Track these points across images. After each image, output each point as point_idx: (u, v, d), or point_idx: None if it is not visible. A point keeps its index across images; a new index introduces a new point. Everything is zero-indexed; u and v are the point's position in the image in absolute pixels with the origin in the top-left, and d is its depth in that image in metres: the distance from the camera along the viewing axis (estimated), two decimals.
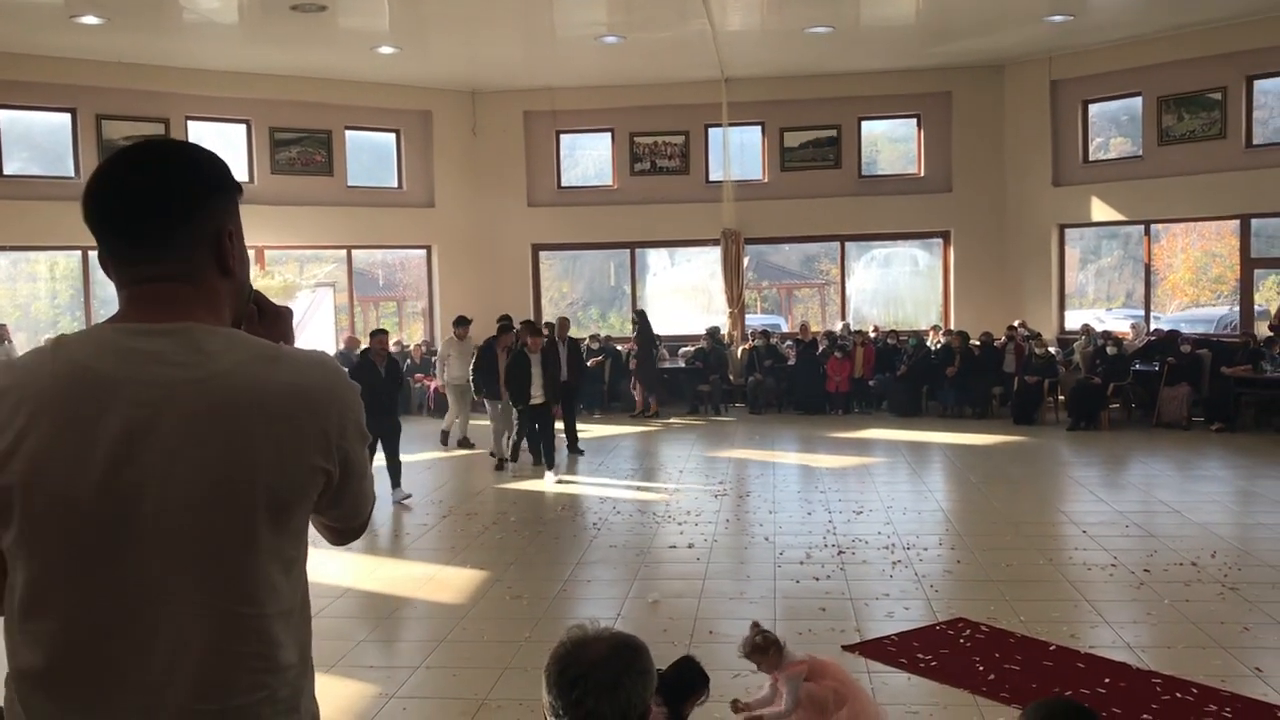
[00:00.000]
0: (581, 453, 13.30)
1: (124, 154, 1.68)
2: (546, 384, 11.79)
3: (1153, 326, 16.68)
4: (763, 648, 4.66)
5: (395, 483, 10.57)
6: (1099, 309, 18.64)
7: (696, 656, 4.21)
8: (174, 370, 1.57)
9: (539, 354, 11.83)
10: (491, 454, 12.82)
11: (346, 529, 1.84)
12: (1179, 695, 5.27)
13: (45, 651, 1.54)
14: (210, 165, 1.70)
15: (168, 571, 1.54)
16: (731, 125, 18.41)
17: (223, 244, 1.69)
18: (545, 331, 13.26)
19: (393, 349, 17.56)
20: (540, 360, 11.80)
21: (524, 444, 12.39)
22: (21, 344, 15.62)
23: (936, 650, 6.01)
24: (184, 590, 1.55)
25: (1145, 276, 17.38)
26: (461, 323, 14.36)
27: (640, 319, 16.82)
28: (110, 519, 1.53)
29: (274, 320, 1.82)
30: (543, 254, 19.44)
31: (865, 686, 5.18)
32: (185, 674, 1.54)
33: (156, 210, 1.63)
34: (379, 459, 10.26)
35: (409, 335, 19.32)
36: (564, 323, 14.55)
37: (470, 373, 13.24)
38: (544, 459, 11.79)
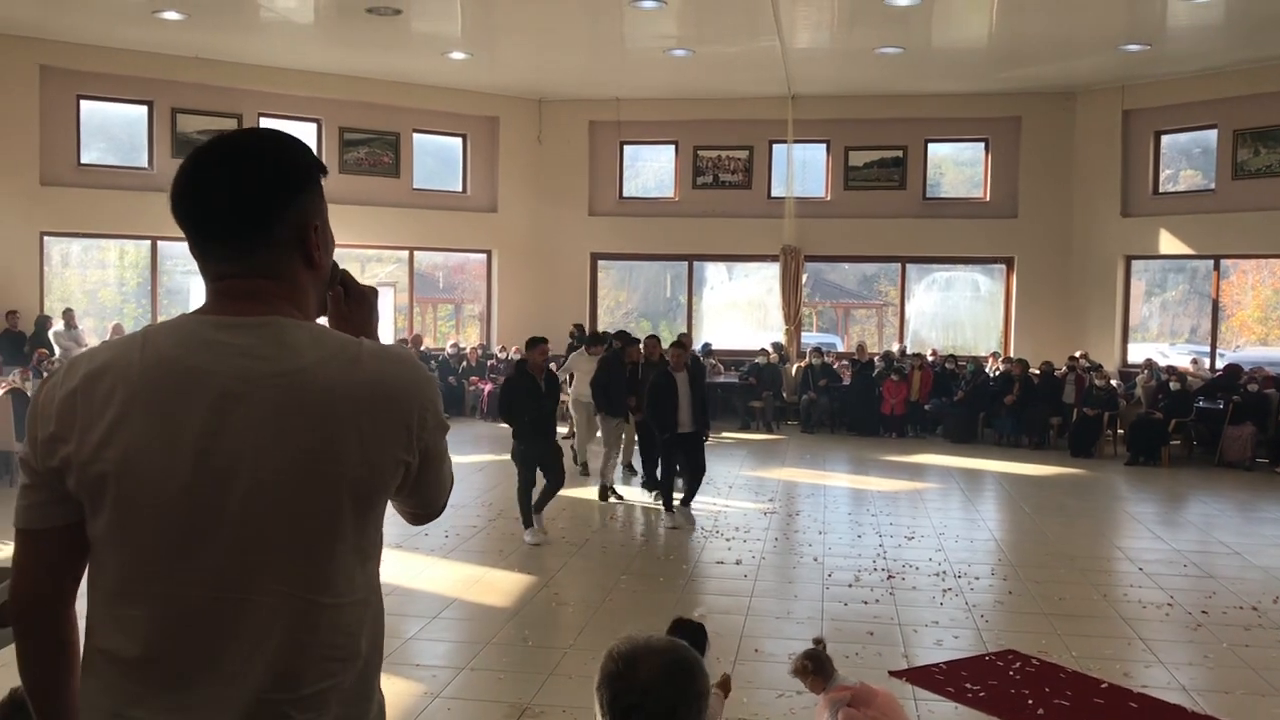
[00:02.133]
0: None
1: (207, 150, 1.67)
2: (697, 408, 10.04)
3: (1219, 364, 16.33)
4: (810, 669, 4.64)
5: (523, 517, 9.20)
6: (1162, 343, 18.33)
7: (731, 672, 4.26)
8: (259, 364, 1.59)
9: (685, 373, 10.07)
10: (589, 474, 11.68)
11: (424, 513, 1.86)
12: None
13: (135, 637, 1.57)
14: (298, 157, 1.70)
15: (252, 561, 1.56)
16: (796, 142, 18.37)
17: (309, 238, 1.70)
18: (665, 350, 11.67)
19: (449, 351, 17.94)
20: (689, 380, 10.06)
21: (614, 466, 11.36)
22: (88, 329, 15.97)
23: (985, 681, 5.93)
24: (267, 579, 1.57)
25: (1213, 312, 17.06)
26: (597, 340, 12.87)
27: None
28: (198, 509, 1.56)
29: (359, 301, 1.83)
30: (600, 262, 19.51)
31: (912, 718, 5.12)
32: (264, 661, 1.56)
33: (245, 211, 1.64)
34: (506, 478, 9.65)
35: (465, 338, 19.47)
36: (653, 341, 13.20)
37: (590, 388, 11.72)
38: (683, 499, 10.10)
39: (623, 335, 12.28)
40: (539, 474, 9.17)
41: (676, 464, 10.13)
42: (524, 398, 8.98)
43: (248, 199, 1.64)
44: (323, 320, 1.79)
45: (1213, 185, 16.34)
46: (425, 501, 1.81)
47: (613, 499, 11.00)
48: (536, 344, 9.38)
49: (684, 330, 18.89)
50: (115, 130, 16.73)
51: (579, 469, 12.04)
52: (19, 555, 1.66)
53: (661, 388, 9.96)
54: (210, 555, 1.56)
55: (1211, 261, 16.80)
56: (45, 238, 15.78)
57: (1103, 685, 5.89)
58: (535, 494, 9.20)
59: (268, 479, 1.56)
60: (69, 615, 1.68)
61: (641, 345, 12.04)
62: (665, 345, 12.44)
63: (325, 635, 1.60)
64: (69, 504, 1.61)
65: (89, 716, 1.61)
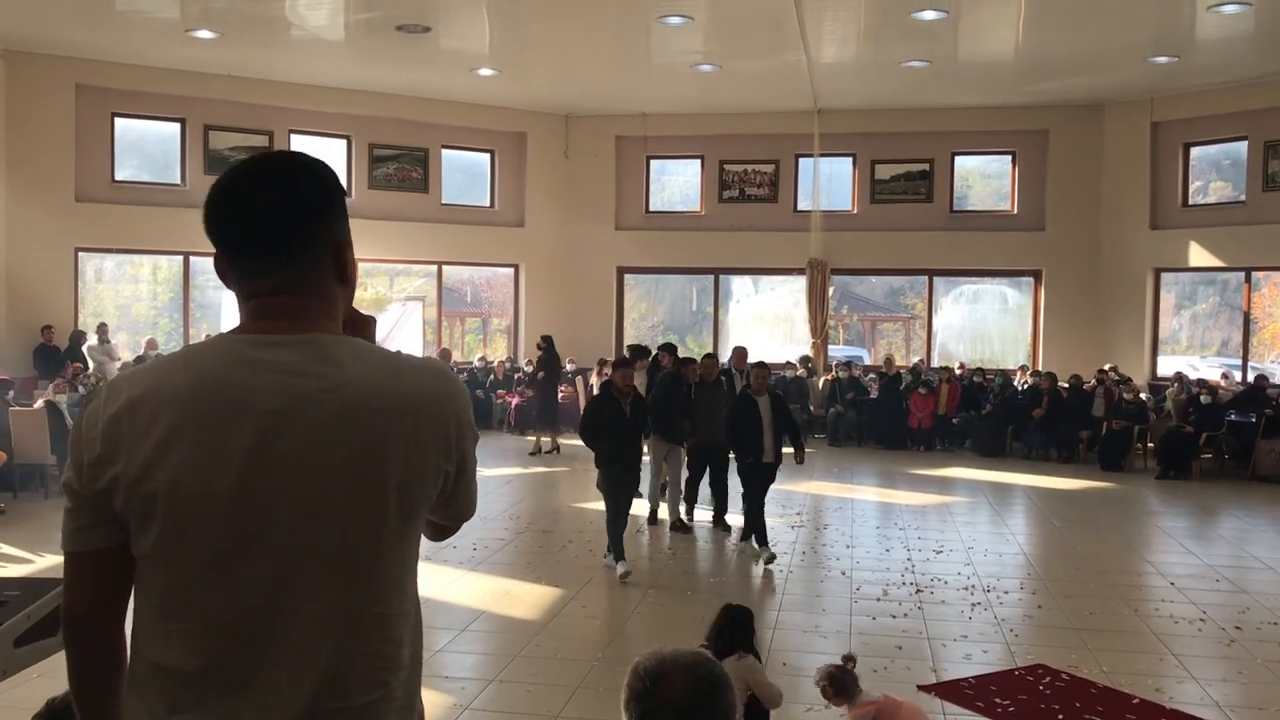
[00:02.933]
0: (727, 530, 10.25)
1: (245, 170, 1.71)
2: (778, 437, 9.17)
3: (1251, 377, 16.18)
4: (829, 691, 4.73)
5: (614, 548, 8.49)
6: (1192, 356, 18.17)
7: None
8: (304, 380, 1.63)
9: (767, 397, 9.24)
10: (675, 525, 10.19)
11: (451, 526, 1.89)
12: None
13: (186, 650, 1.60)
14: (327, 177, 1.75)
15: (302, 572, 1.60)
16: (822, 156, 18.37)
17: (342, 254, 1.75)
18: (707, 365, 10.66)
19: (476, 364, 18.02)
20: (771, 404, 9.22)
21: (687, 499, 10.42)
22: (121, 343, 16.16)
23: (1014, 696, 5.90)
24: (317, 590, 1.60)
25: (1244, 325, 16.91)
26: (638, 355, 11.87)
27: (547, 345, 15.87)
28: (248, 523, 1.59)
29: (361, 329, 1.85)
30: (626, 276, 19.56)
31: None
32: (314, 672, 1.59)
33: (282, 228, 1.67)
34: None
35: (492, 352, 19.56)
36: (741, 352, 12.47)
37: (649, 410, 10.41)
38: (757, 538, 9.09)
39: (668, 348, 11.51)
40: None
41: (759, 494, 9.09)
42: (607, 422, 8.54)
43: (288, 215, 1.68)
44: None
45: (1243, 197, 16.22)
46: (457, 513, 1.85)
47: (670, 528, 10.15)
48: (623, 363, 8.87)
49: (710, 345, 18.92)
50: (149, 147, 16.95)
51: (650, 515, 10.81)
52: (70, 577, 1.70)
53: (743, 411, 9.15)
54: (260, 569, 1.59)
55: (1242, 274, 16.67)
56: (79, 253, 15.99)
57: (1134, 701, 5.85)
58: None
59: (316, 492, 1.60)
60: (119, 630, 1.72)
61: (699, 364, 10.86)
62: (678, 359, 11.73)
63: (375, 645, 1.64)
64: (115, 525, 1.65)
65: None
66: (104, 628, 1.70)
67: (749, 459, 9.05)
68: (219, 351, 1.66)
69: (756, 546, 9.04)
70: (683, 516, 10.21)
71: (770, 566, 8.69)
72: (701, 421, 10.10)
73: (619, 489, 8.58)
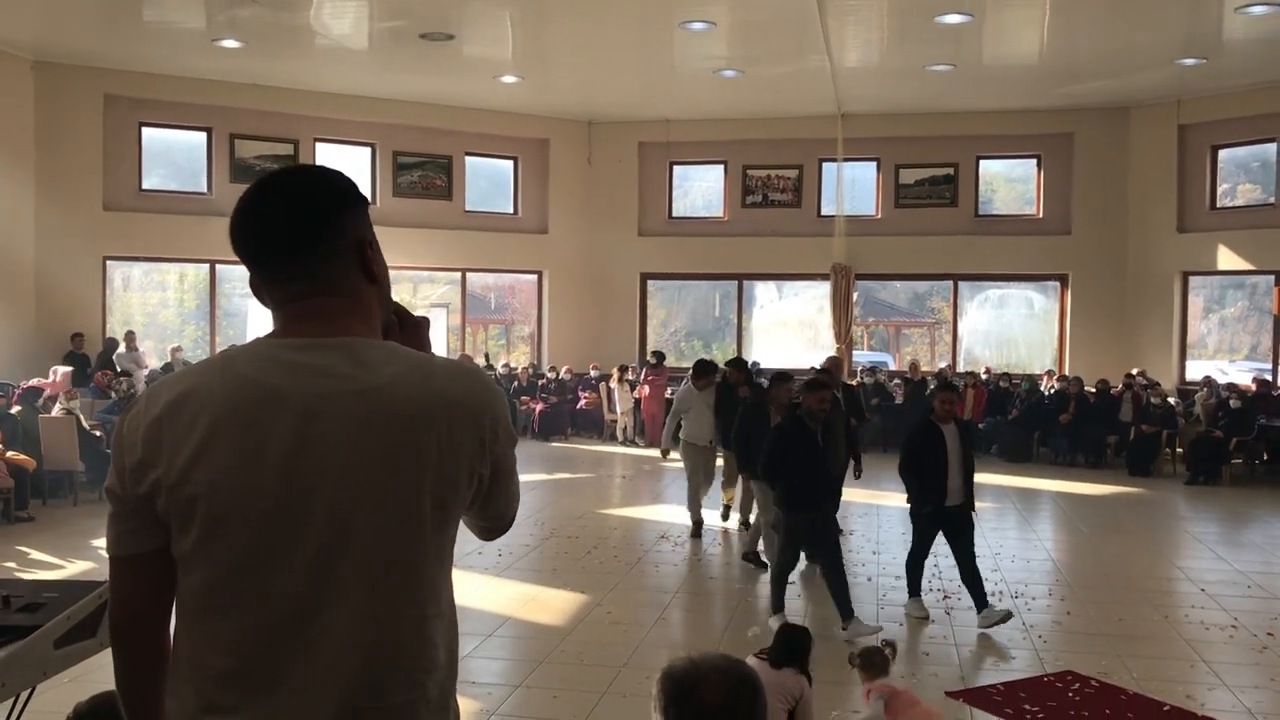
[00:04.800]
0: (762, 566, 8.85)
1: (259, 186, 1.76)
2: (968, 473, 7.49)
3: None
4: (859, 663, 5.02)
5: (843, 611, 7.07)
6: (1221, 360, 18.01)
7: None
8: (339, 383, 1.64)
9: (954, 425, 7.48)
10: (748, 556, 9.07)
11: (496, 527, 1.91)
12: None
13: (225, 649, 1.62)
14: (342, 181, 1.79)
15: (338, 573, 1.61)
16: (846, 160, 18.33)
17: (365, 253, 1.77)
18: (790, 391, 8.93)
19: (500, 371, 18.06)
20: (958, 433, 7.46)
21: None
22: (148, 350, 16.30)
23: (1044, 702, 5.85)
24: (354, 591, 1.62)
25: (1275, 328, 16.74)
26: (704, 371, 10.35)
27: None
28: (285, 525, 1.61)
29: (413, 330, 1.89)
30: (650, 282, 19.57)
31: None
32: (349, 672, 1.60)
33: (297, 231, 1.71)
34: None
35: (515, 359, 19.61)
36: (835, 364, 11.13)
37: (735, 444, 9.35)
38: (976, 599, 7.36)
39: (737, 364, 10.38)
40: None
41: (930, 545, 7.60)
42: (797, 453, 7.16)
43: (306, 215, 1.72)
44: None
45: (1272, 199, 16.08)
46: (497, 514, 1.87)
47: (742, 557, 9.16)
48: (819, 384, 7.48)
49: (733, 352, 18.90)
50: (175, 156, 17.11)
51: (694, 529, 10.23)
52: (116, 581, 1.73)
53: (923, 443, 7.43)
54: (298, 569, 1.61)
55: (1272, 277, 16.50)
56: (108, 261, 16.14)
57: (1165, 708, 5.79)
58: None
59: (352, 493, 1.62)
60: (165, 632, 1.74)
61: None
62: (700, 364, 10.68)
63: (410, 645, 1.65)
64: (159, 528, 1.67)
65: None
66: (150, 630, 1.73)
67: (925, 508, 7.41)
68: (255, 355, 1.69)
69: (986, 612, 7.25)
70: (760, 550, 8.95)
71: (995, 626, 7.16)
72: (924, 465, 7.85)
73: (791, 537, 7.31)
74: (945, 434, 7.39)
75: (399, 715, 1.64)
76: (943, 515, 7.41)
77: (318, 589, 1.61)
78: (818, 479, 7.19)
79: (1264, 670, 6.53)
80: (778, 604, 7.39)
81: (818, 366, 12.00)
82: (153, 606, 1.72)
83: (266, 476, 1.61)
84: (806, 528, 7.20)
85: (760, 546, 8.97)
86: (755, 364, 18.13)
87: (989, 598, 7.40)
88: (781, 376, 9.34)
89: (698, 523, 10.23)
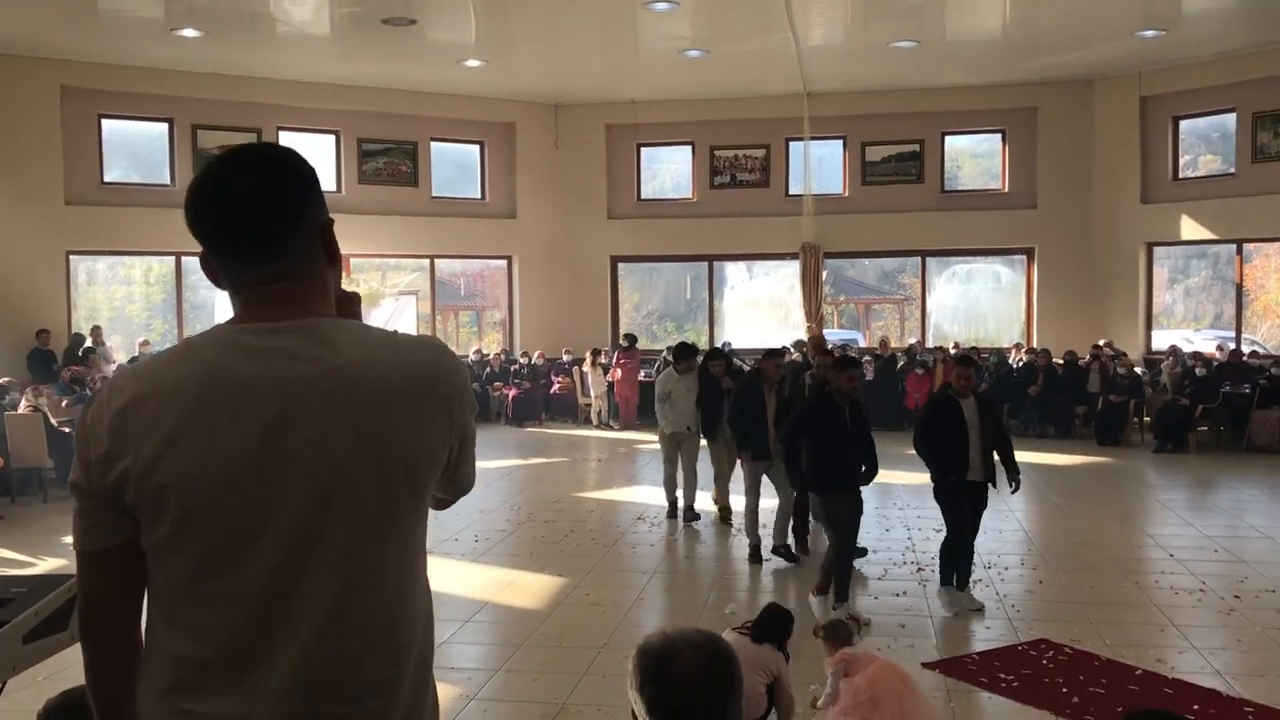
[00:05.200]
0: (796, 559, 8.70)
1: (222, 165, 1.72)
2: (988, 448, 7.28)
3: (1245, 349, 16.21)
4: (823, 635, 5.10)
5: (840, 594, 6.99)
6: (1186, 329, 18.22)
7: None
8: (306, 365, 1.64)
9: (973, 400, 7.27)
10: (778, 550, 8.63)
11: (455, 496, 1.93)
12: None
13: (201, 636, 1.62)
14: (302, 163, 1.76)
15: (314, 554, 1.62)
16: (813, 139, 18.36)
17: (328, 234, 1.77)
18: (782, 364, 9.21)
19: (472, 358, 18.02)
20: (978, 408, 7.25)
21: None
22: (115, 345, 16.13)
23: (1018, 670, 5.93)
24: (329, 570, 1.62)
25: (1237, 297, 16.95)
26: (684, 354, 10.08)
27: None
28: (258, 509, 1.61)
29: (345, 306, 1.86)
30: (620, 265, 19.55)
31: (924, 698, 5.14)
32: (328, 650, 1.61)
33: (270, 218, 1.68)
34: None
35: (487, 345, 19.56)
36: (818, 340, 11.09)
37: (728, 423, 9.20)
38: (960, 581, 7.26)
39: (716, 354, 10.07)
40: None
41: (962, 523, 7.25)
42: (827, 433, 7.05)
43: (276, 208, 1.69)
44: None
45: (1233, 169, 16.25)
46: (459, 486, 1.88)
47: (772, 550, 8.63)
48: (850, 363, 7.39)
49: (706, 333, 18.95)
50: (137, 148, 16.90)
51: (670, 510, 10.11)
52: (84, 576, 1.70)
53: (944, 417, 7.22)
54: (272, 553, 1.61)
55: (1234, 246, 16.70)
56: (71, 256, 15.94)
57: (1137, 672, 5.88)
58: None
59: (324, 475, 1.62)
60: (136, 626, 1.72)
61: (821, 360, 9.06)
62: (669, 349, 11.12)
63: (387, 621, 1.66)
64: (127, 520, 1.65)
65: (157, 715, 1.65)
66: (121, 625, 1.71)
67: (950, 477, 7.16)
68: (219, 342, 1.68)
69: (955, 590, 7.21)
70: (790, 542, 8.69)
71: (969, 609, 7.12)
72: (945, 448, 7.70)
73: (835, 519, 7.08)
74: (964, 408, 7.19)
75: (379, 689, 1.64)
76: (966, 489, 7.19)
77: (294, 572, 1.61)
78: (848, 459, 7.08)
79: (1231, 632, 6.64)
80: (843, 593, 7.00)
81: (827, 346, 11.94)
82: (122, 601, 1.69)
83: (238, 463, 1.60)
84: (848, 507, 7.06)
85: (784, 538, 8.64)
86: (727, 344, 18.24)
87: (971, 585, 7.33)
88: (773, 352, 9.28)
89: (673, 503, 10.10)
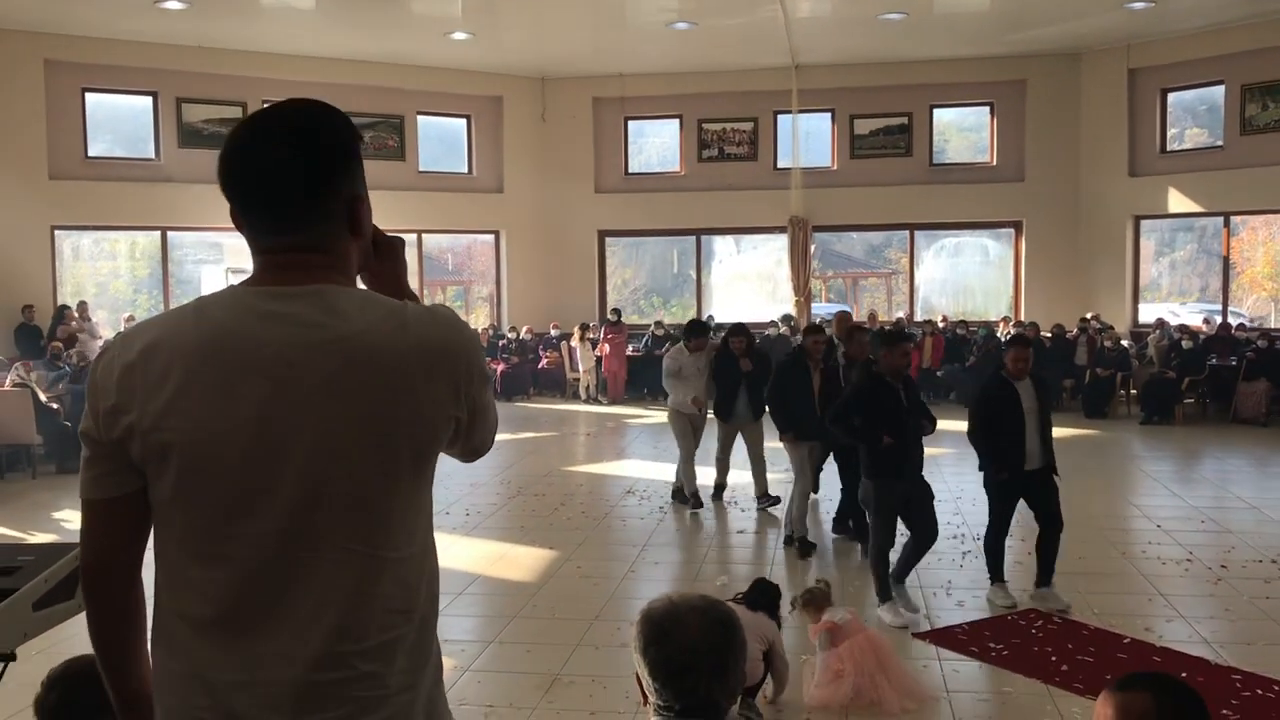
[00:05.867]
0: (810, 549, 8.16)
1: (260, 126, 1.71)
2: (1045, 433, 6.73)
3: (1231, 321, 16.30)
4: (800, 603, 5.24)
5: (882, 588, 6.50)
6: (1173, 302, 18.31)
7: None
8: (312, 331, 1.64)
9: (1029, 382, 6.65)
10: (791, 540, 8.13)
11: (474, 456, 1.92)
12: (1260, 692, 5.20)
13: (205, 597, 1.63)
14: (342, 132, 1.74)
15: (316, 519, 1.62)
16: (801, 112, 18.32)
17: (356, 209, 1.75)
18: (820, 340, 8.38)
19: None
20: (1034, 392, 6.66)
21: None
22: (101, 321, 16.05)
23: (1008, 640, 5.98)
24: (331, 536, 1.63)
25: (1223, 270, 17.02)
26: (696, 332, 9.60)
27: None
28: (260, 472, 1.61)
29: (388, 252, 1.86)
30: (608, 240, 19.51)
31: (905, 671, 5.21)
32: (330, 615, 1.62)
33: (295, 193, 1.68)
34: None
35: (475, 320, 19.53)
36: (844, 318, 10.52)
37: (768, 403, 8.56)
38: (1041, 571, 6.71)
39: (739, 330, 9.38)
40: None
41: (1010, 518, 6.76)
42: (882, 413, 6.47)
43: (301, 180, 1.68)
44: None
45: (1221, 142, 16.28)
46: (474, 448, 1.88)
47: (784, 541, 8.19)
48: (900, 337, 6.79)
49: (693, 307, 18.93)
50: (121, 122, 16.75)
51: (689, 499, 9.43)
52: (88, 525, 1.71)
53: (999, 403, 6.59)
54: (274, 516, 1.61)
55: (1221, 219, 16.76)
56: (56, 231, 15.81)
57: (1125, 641, 5.94)
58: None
59: (326, 442, 1.62)
60: (137, 580, 1.74)
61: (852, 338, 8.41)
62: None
63: (387, 588, 1.66)
64: (132, 472, 1.67)
65: (163, 676, 1.67)
66: (122, 576, 1.72)
67: (1003, 475, 6.58)
68: (229, 303, 1.68)
69: (1044, 591, 6.65)
70: (802, 532, 8.09)
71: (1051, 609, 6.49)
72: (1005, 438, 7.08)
73: (883, 505, 6.51)
74: (1020, 392, 6.55)
75: (378, 655, 1.65)
76: (1025, 481, 6.60)
77: (294, 536, 1.62)
78: (907, 441, 6.45)
79: (1218, 601, 6.70)
80: (885, 591, 6.42)
81: (856, 323, 10.93)
82: (125, 552, 1.71)
83: (241, 425, 1.61)
84: (902, 496, 6.49)
85: (798, 528, 8.11)
86: (710, 318, 18.24)
87: (1052, 577, 6.65)
88: (814, 328, 8.59)
89: (694, 494, 9.36)
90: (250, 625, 1.62)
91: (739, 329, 9.45)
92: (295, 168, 1.68)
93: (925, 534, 6.57)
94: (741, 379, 9.11)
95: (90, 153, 15.95)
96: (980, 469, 6.79)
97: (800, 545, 7.98)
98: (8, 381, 11.82)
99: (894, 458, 6.42)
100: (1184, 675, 5.36)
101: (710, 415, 9.55)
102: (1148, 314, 17.33)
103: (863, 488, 6.72)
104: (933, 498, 6.64)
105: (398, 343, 1.66)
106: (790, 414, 8.09)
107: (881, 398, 6.49)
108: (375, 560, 1.65)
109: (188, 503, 1.64)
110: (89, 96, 15.93)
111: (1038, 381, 6.70)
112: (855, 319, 19.25)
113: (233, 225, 1.74)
